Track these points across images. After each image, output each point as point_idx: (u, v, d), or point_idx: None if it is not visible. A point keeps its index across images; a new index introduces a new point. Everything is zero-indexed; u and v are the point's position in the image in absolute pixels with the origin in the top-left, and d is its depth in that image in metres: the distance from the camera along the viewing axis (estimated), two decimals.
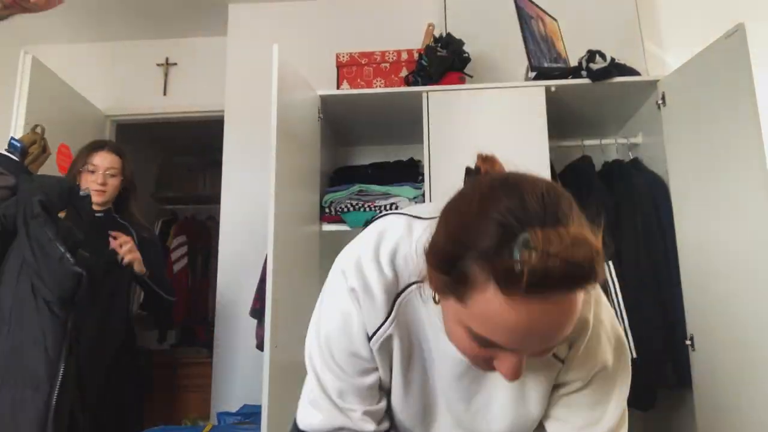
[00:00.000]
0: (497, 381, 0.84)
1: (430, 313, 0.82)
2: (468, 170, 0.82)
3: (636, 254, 2.06)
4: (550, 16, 2.50)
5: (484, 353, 0.69)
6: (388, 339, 0.83)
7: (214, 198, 3.40)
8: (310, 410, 0.89)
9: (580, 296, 0.63)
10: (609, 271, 1.98)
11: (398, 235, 0.84)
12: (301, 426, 0.91)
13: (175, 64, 3.31)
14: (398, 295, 0.82)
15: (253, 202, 2.75)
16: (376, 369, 0.87)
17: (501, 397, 0.86)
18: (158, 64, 3.31)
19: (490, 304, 0.62)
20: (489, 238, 0.61)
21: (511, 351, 0.67)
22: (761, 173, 1.60)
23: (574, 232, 0.60)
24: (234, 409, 2.45)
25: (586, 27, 2.63)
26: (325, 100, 2.25)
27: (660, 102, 2.11)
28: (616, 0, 2.78)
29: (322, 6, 3.00)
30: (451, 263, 0.64)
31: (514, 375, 0.68)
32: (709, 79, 1.86)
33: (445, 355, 0.84)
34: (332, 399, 0.86)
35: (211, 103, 3.14)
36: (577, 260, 0.59)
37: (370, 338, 0.83)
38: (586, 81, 2.15)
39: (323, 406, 0.87)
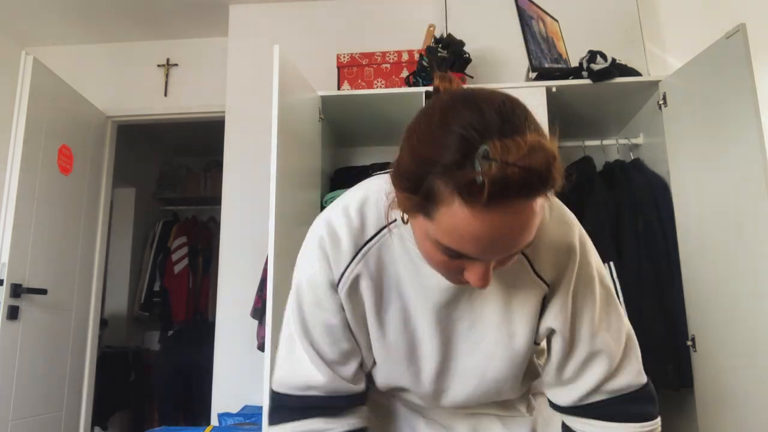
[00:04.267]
0: (483, 305, 0.85)
1: (408, 251, 0.83)
2: (428, 93, 0.85)
3: (637, 255, 2.06)
4: (550, 16, 2.50)
5: (454, 265, 0.71)
6: (356, 280, 0.85)
7: (215, 199, 3.40)
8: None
9: (539, 202, 0.64)
10: (610, 271, 1.98)
11: (370, 187, 0.88)
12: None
13: (176, 64, 3.31)
14: (369, 240, 0.85)
15: (254, 203, 2.75)
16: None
17: (487, 321, 0.86)
18: (159, 65, 3.31)
19: (456, 217, 0.63)
20: (451, 152, 0.62)
21: (478, 260, 0.68)
22: (762, 173, 1.60)
23: (531, 139, 0.61)
24: (235, 410, 2.45)
25: (587, 27, 2.64)
26: (325, 100, 2.25)
27: (661, 102, 2.11)
28: (617, 0, 2.78)
29: (323, 7, 3.00)
30: (416, 182, 0.65)
31: (483, 281, 0.70)
32: (710, 79, 1.86)
33: (426, 289, 0.84)
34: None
35: (212, 103, 3.14)
36: (534, 167, 0.59)
37: (337, 284, 0.85)
38: (587, 81, 2.15)
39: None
